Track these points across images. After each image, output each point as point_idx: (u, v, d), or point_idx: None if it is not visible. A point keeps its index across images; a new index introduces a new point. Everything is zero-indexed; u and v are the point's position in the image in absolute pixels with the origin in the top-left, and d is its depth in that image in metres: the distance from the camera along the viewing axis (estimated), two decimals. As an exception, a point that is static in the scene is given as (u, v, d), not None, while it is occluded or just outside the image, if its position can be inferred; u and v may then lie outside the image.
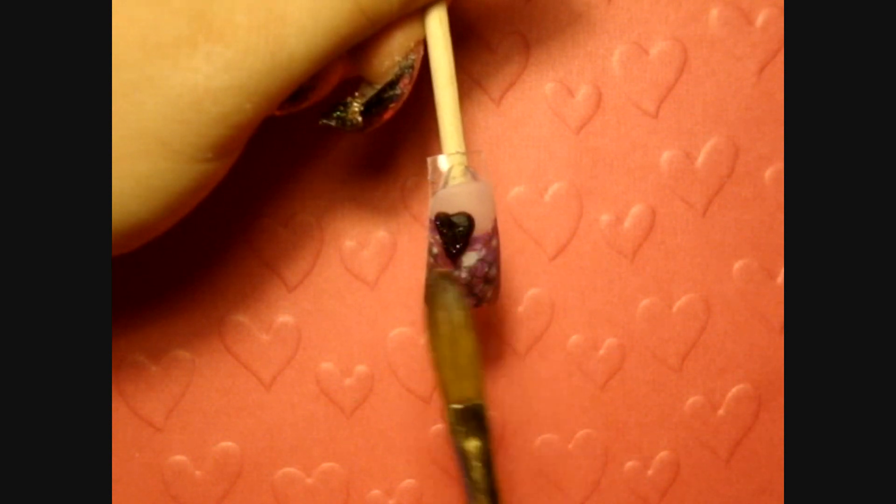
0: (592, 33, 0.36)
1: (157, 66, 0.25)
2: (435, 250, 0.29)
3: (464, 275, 0.29)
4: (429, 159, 0.29)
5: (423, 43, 0.29)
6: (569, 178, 0.36)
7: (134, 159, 0.25)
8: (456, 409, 0.28)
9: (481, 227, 0.29)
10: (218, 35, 0.25)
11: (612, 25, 0.36)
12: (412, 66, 0.29)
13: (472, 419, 0.28)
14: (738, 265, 0.36)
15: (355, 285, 0.35)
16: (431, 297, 0.28)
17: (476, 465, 0.28)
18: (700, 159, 0.36)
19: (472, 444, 0.28)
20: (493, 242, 0.29)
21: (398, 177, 0.35)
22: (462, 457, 0.28)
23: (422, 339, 0.36)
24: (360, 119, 0.29)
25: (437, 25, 0.29)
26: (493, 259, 0.30)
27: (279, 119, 0.30)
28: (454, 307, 0.28)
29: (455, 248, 0.29)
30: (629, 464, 0.36)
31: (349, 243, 0.36)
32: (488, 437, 0.28)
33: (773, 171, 0.36)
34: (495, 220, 0.30)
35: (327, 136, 0.35)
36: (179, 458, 0.35)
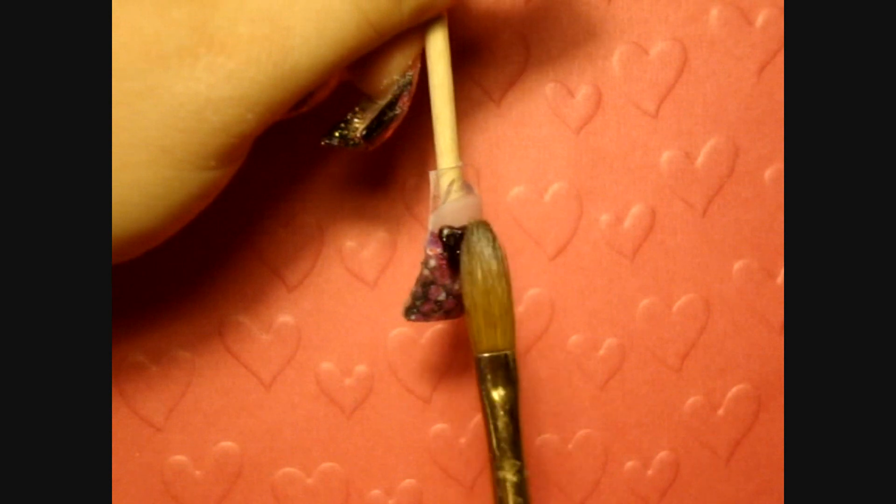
0: (592, 33, 0.36)
1: (160, 77, 0.25)
2: (433, 263, 0.29)
3: (457, 287, 0.30)
4: (431, 174, 0.30)
5: (421, 57, 0.29)
6: (569, 178, 0.36)
7: (137, 168, 0.26)
8: (485, 357, 0.28)
9: None
10: (220, 46, 0.25)
11: (612, 25, 0.36)
12: (410, 83, 0.29)
13: (501, 368, 0.28)
14: (738, 265, 0.36)
15: (355, 285, 0.35)
16: (468, 245, 0.28)
17: (501, 414, 0.28)
18: (700, 159, 0.36)
19: (499, 394, 0.28)
20: None
21: (398, 177, 0.35)
22: (488, 406, 0.28)
23: (422, 339, 0.36)
24: (361, 139, 0.29)
25: (439, 41, 0.29)
26: None
27: (280, 121, 0.30)
28: (491, 256, 0.28)
29: (459, 261, 0.29)
30: (629, 464, 0.36)
31: (349, 243, 0.36)
32: (516, 388, 0.28)
33: (773, 171, 0.36)
34: None
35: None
36: (179, 458, 0.35)
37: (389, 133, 0.29)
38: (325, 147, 0.30)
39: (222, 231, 0.35)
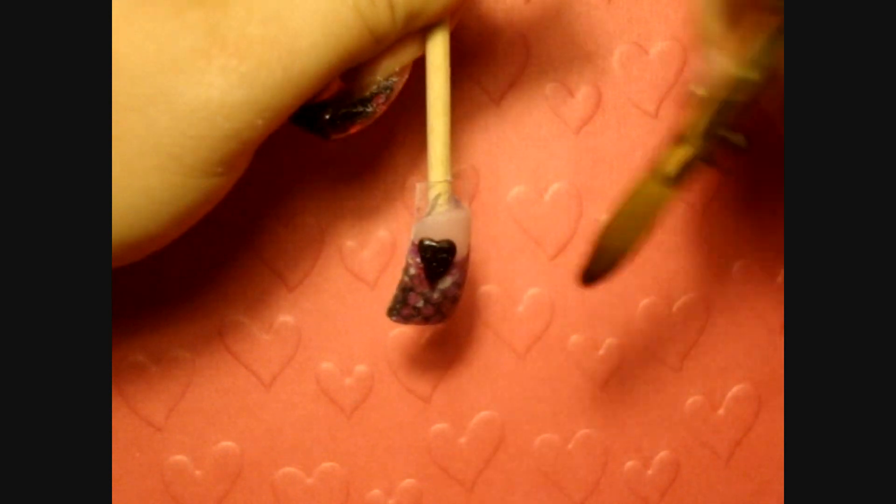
0: (592, 33, 0.36)
1: (172, 81, 0.25)
2: (412, 271, 0.30)
3: (436, 296, 0.30)
4: (417, 185, 0.30)
5: (410, 68, 0.29)
6: (569, 178, 0.36)
7: (145, 174, 0.26)
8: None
9: (460, 254, 0.30)
10: (233, 48, 0.25)
11: (612, 25, 0.36)
12: (391, 88, 0.29)
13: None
14: (738, 265, 0.36)
15: (355, 285, 0.35)
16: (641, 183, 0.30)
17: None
18: (700, 159, 0.36)
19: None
20: (465, 266, 0.30)
21: (398, 177, 0.35)
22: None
23: (422, 339, 0.36)
24: (324, 124, 0.29)
25: (438, 55, 0.29)
26: (462, 280, 0.31)
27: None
28: (660, 202, 0.30)
29: (437, 273, 0.29)
30: (629, 464, 0.36)
31: (349, 243, 0.36)
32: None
33: (773, 172, 0.36)
34: (469, 246, 0.30)
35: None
36: (179, 458, 0.35)
37: (354, 129, 0.29)
38: (300, 131, 0.29)
39: (222, 231, 0.35)
